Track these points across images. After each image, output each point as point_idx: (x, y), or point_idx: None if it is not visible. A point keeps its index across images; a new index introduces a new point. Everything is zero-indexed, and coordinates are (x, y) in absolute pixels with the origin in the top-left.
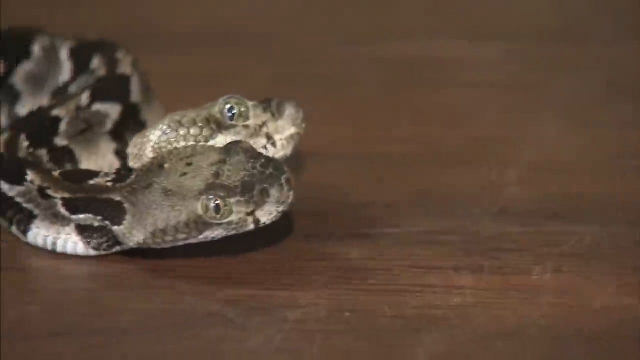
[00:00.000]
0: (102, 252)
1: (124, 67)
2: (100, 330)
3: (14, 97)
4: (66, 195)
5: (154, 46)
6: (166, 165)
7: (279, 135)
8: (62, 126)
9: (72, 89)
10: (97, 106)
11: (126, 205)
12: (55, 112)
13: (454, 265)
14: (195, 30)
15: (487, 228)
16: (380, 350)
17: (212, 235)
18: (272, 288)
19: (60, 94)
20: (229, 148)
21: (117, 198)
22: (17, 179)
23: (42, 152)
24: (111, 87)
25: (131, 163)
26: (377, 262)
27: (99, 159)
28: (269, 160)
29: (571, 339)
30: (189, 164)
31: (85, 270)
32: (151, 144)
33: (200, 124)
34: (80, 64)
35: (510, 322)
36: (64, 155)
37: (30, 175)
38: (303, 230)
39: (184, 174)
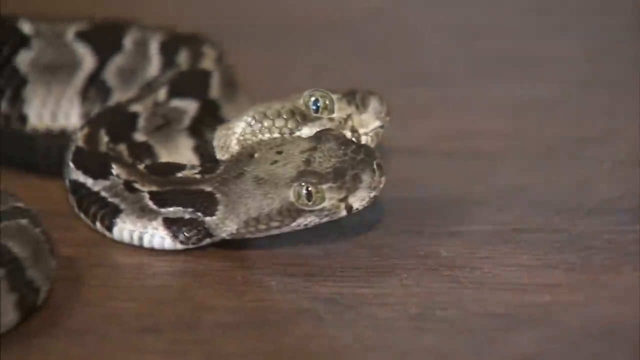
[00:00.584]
0: (190, 246)
1: (207, 62)
2: (191, 327)
3: (106, 92)
4: (154, 188)
5: (246, 39)
6: (256, 155)
7: (364, 129)
8: (141, 122)
9: (157, 83)
10: (175, 102)
11: (218, 195)
12: (133, 107)
13: (544, 263)
14: (295, 23)
15: (578, 226)
16: (471, 349)
17: (305, 223)
18: (361, 285)
19: (146, 89)
20: (319, 136)
21: (209, 189)
22: (102, 173)
23: (122, 148)
24: (189, 83)
25: (219, 155)
26: (467, 259)
27: (178, 156)
28: (360, 146)
29: None
30: (279, 152)
31: (173, 266)
32: (236, 136)
33: (285, 116)
34: (169, 58)
35: (602, 322)
36: (144, 151)
37: (115, 169)
38: (392, 227)
39: (275, 162)
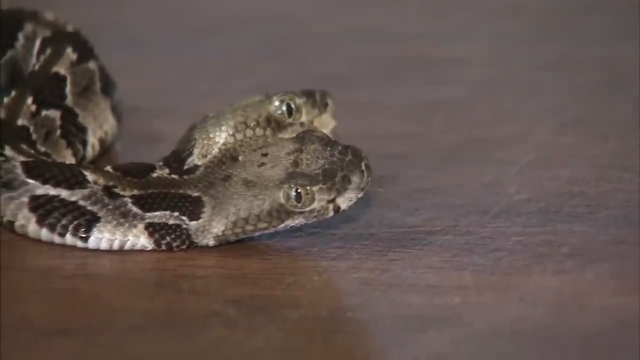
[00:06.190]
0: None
1: (63, 65)
2: (102, 330)
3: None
4: (136, 192)
5: (146, 39)
6: (240, 158)
7: (325, 129)
8: (33, 134)
9: (21, 87)
10: (45, 112)
11: (205, 198)
12: (20, 122)
13: (454, 265)
14: (197, 25)
15: (487, 228)
16: (380, 350)
17: (293, 224)
18: (273, 287)
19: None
20: (302, 137)
21: (196, 193)
22: (77, 182)
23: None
24: (48, 90)
25: (197, 161)
26: (377, 262)
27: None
28: (347, 147)
29: (571, 339)
30: (265, 155)
31: (84, 269)
32: (219, 145)
33: (263, 125)
34: (39, 56)
35: (511, 323)
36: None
37: (91, 176)
38: (303, 229)
39: (262, 164)
